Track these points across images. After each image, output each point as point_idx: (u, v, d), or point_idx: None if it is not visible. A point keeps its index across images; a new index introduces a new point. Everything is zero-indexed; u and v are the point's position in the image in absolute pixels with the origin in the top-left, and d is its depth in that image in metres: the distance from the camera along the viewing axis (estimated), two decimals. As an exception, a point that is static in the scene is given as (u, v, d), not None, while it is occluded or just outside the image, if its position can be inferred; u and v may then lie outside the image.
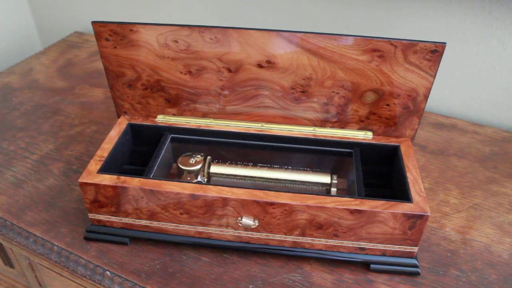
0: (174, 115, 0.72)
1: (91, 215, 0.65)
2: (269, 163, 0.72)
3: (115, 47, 0.65)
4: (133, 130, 0.72)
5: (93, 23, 0.63)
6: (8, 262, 0.82)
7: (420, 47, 0.59)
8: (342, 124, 0.68)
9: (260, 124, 0.70)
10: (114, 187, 0.60)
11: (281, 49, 0.61)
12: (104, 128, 0.89)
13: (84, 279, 0.64)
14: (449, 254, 0.65)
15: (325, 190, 0.69)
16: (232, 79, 0.66)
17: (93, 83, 1.05)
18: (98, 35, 0.64)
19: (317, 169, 0.71)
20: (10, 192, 0.75)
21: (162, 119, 0.72)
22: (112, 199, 0.62)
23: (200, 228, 0.62)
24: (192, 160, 0.69)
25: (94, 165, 0.63)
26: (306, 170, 0.71)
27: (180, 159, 0.70)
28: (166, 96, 0.69)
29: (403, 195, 0.60)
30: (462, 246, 0.66)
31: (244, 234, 0.62)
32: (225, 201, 0.58)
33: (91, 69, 1.11)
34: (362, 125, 0.68)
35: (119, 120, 0.72)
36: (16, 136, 0.88)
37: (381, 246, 0.60)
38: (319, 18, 0.97)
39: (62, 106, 0.97)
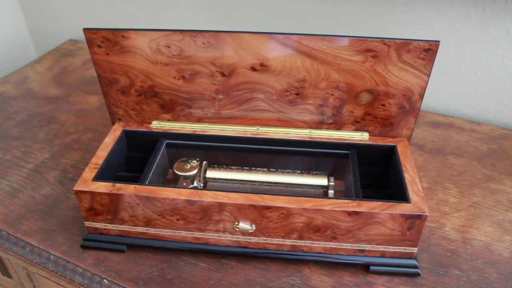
0: (168, 120, 0.71)
1: (87, 223, 0.64)
2: (266, 167, 0.72)
3: (108, 54, 0.64)
4: (128, 137, 0.72)
5: (85, 30, 0.63)
6: (6, 273, 0.82)
7: (414, 46, 0.58)
8: (338, 125, 0.68)
9: (255, 128, 0.70)
10: (110, 195, 0.60)
11: (274, 52, 0.61)
12: (99, 136, 0.89)
13: (82, 287, 0.63)
14: (449, 254, 0.64)
15: (322, 192, 0.68)
16: (226, 83, 0.65)
17: (88, 91, 1.04)
18: (90, 42, 0.64)
19: (314, 171, 0.71)
20: (5, 202, 0.75)
21: (156, 125, 0.71)
22: (108, 207, 0.61)
23: (198, 234, 0.62)
24: (187, 166, 0.69)
25: (89, 172, 0.63)
26: (303, 172, 0.71)
27: (175, 164, 0.70)
28: (160, 102, 0.69)
29: (401, 195, 0.60)
30: (462, 245, 0.65)
31: (241, 238, 0.61)
32: (221, 206, 0.58)
33: (86, 77, 1.10)
34: (358, 126, 0.68)
35: (114, 127, 0.72)
36: (11, 145, 0.88)
37: (380, 248, 0.60)
38: (311, 18, 0.97)
39: (57, 114, 0.96)
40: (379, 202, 0.57)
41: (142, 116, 0.71)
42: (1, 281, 0.86)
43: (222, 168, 0.71)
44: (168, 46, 0.62)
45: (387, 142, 0.68)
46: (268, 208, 0.57)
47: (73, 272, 0.64)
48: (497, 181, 0.76)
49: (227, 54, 0.62)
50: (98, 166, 0.64)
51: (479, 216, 0.70)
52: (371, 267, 0.61)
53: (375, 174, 0.69)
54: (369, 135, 0.68)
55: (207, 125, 0.71)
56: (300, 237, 0.60)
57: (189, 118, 0.71)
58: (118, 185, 0.60)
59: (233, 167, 0.72)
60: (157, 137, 0.71)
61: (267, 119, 0.69)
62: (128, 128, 0.71)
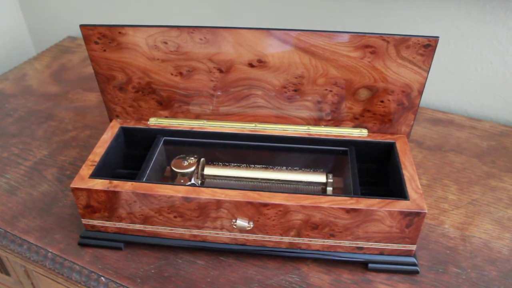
0: (166, 117, 0.71)
1: (84, 221, 0.64)
2: (264, 164, 0.72)
3: (105, 50, 0.64)
4: (126, 134, 0.71)
5: (81, 26, 0.62)
6: (4, 270, 0.81)
7: (413, 42, 0.58)
8: (336, 122, 0.68)
9: (253, 124, 0.69)
10: (106, 192, 0.59)
11: (272, 48, 0.61)
12: (98, 133, 0.88)
13: (79, 285, 0.63)
14: (448, 251, 0.64)
15: (321, 189, 0.68)
16: (223, 80, 0.65)
17: (86, 88, 1.04)
18: (87, 39, 0.63)
19: (313, 168, 0.71)
20: (3, 199, 0.74)
21: (154, 122, 0.71)
22: (105, 204, 0.61)
23: (195, 231, 0.62)
24: (185, 163, 0.68)
25: (86, 170, 0.62)
26: (302, 169, 0.70)
27: (173, 161, 0.69)
28: (158, 99, 0.69)
29: (400, 192, 0.59)
30: (461, 242, 0.65)
31: (239, 236, 0.61)
32: (218, 203, 0.58)
33: (85, 74, 1.10)
34: (357, 122, 0.67)
35: (111, 124, 0.71)
36: (10, 143, 0.87)
37: (378, 245, 0.59)
38: (310, 14, 0.96)
39: (55, 111, 0.96)
40: (377, 199, 0.56)
41: (139, 113, 0.71)
42: (-1, 278, 0.86)
43: (220, 165, 0.71)
44: (165, 42, 0.62)
45: (386, 139, 0.67)
46: (265, 205, 0.57)
47: (70, 270, 0.64)
48: (497, 178, 0.76)
49: (224, 50, 0.62)
50: (95, 163, 0.63)
51: (479, 213, 0.70)
52: (370, 265, 0.61)
53: (374, 171, 0.69)
54: (368, 132, 0.68)
55: (205, 122, 0.70)
56: (298, 235, 0.59)
57: (187, 115, 0.70)
58: (115, 182, 0.60)
59: (231, 164, 0.72)
60: (154, 134, 0.71)
61: (265, 115, 0.68)
62: (125, 125, 0.71)
